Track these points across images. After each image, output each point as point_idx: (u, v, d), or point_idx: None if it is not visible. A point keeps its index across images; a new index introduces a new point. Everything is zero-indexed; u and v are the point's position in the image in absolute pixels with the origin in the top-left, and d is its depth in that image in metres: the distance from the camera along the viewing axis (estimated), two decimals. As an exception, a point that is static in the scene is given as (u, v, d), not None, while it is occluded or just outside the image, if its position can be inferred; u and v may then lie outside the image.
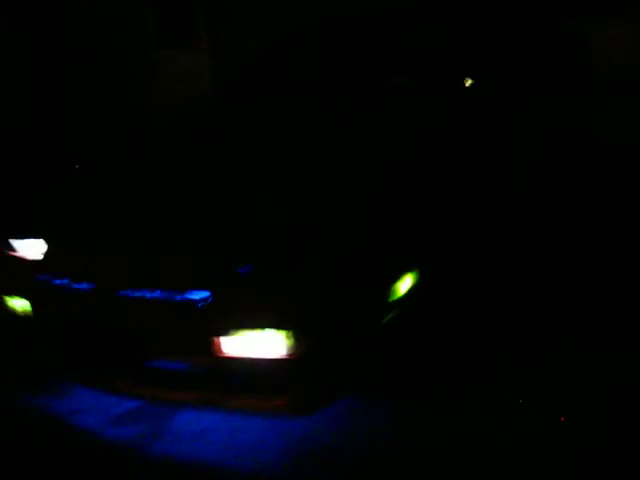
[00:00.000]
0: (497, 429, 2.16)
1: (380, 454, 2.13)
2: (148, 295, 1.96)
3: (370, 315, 2.05)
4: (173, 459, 2.16)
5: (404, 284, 2.13)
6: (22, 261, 2.24)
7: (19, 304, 2.22)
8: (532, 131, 3.18)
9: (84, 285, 2.05)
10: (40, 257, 2.19)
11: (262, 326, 1.85)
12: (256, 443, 2.19)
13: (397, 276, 2.10)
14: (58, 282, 2.10)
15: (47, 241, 2.18)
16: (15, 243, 2.27)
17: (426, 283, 2.23)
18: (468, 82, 2.85)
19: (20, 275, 2.22)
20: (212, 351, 1.91)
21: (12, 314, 2.25)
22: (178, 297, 1.92)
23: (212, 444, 2.20)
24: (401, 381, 2.38)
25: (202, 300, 1.90)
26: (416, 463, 2.08)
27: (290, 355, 1.87)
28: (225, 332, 1.89)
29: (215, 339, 1.90)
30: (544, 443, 2.04)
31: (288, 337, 1.85)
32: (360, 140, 2.37)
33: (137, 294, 1.97)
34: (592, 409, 2.15)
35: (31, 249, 2.23)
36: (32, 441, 2.31)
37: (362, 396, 2.39)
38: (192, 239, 2.02)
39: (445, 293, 2.41)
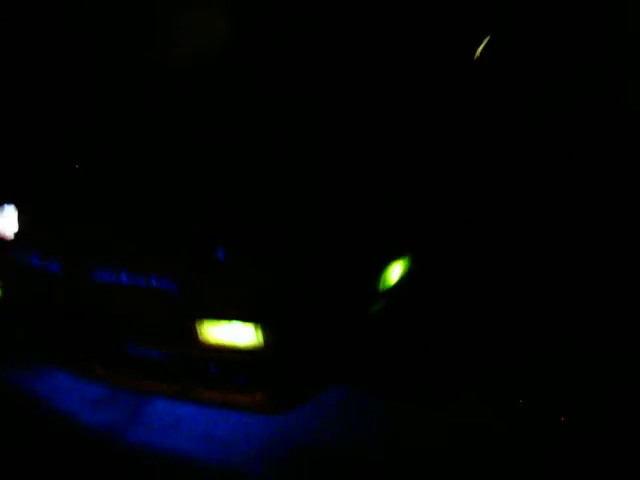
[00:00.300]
0: (492, 428, 2.05)
1: (365, 452, 2.01)
2: (116, 278, 1.84)
3: (354, 306, 1.89)
4: (145, 449, 2.08)
5: (394, 272, 1.96)
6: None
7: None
8: (549, 103, 2.88)
9: (54, 265, 1.94)
10: (12, 235, 2.09)
11: (230, 317, 1.72)
12: (232, 437, 2.09)
13: (385, 264, 1.93)
14: (28, 260, 2.00)
15: (18, 218, 2.08)
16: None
17: (418, 271, 2.05)
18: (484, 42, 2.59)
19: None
20: (182, 340, 1.80)
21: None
22: (146, 281, 1.80)
23: (185, 436, 2.10)
24: (390, 374, 2.24)
25: (170, 285, 1.77)
26: (403, 461, 1.98)
27: (260, 350, 1.74)
28: (194, 321, 1.76)
29: (184, 328, 1.78)
30: (544, 443, 1.97)
31: (257, 330, 1.72)
32: (347, 110, 2.14)
33: (106, 276, 1.85)
34: (592, 409, 2.06)
35: (5, 225, 2.13)
36: (7, 422, 2.25)
37: (350, 389, 2.25)
38: (165, 222, 1.88)
39: (438, 282, 2.23)
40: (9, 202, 2.14)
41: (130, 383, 1.95)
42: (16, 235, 2.06)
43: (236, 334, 1.74)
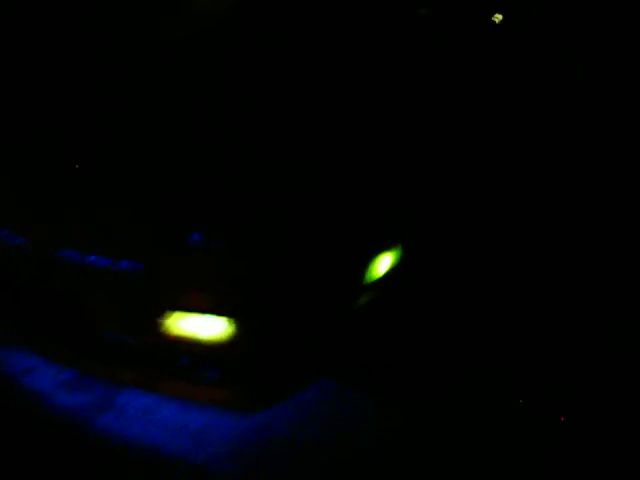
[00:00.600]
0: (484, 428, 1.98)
1: (345, 452, 1.90)
2: (83, 259, 1.71)
3: (336, 300, 1.75)
4: (113, 437, 1.97)
5: (383, 264, 1.82)
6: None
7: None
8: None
9: (20, 240, 1.82)
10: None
11: (201, 310, 1.59)
12: (205, 430, 1.98)
13: (371, 256, 1.78)
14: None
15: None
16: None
17: (410, 263, 1.91)
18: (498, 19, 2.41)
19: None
20: (149, 329, 1.67)
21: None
22: (114, 264, 1.67)
23: (157, 425, 2.00)
24: (376, 370, 2.12)
25: (139, 271, 1.64)
26: (391, 459, 1.90)
27: (233, 344, 1.61)
28: (163, 310, 1.63)
29: (152, 316, 1.65)
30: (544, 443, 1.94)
31: (230, 324, 1.59)
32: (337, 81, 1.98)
33: (73, 256, 1.73)
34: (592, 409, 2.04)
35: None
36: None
37: (334, 383, 2.14)
38: (138, 203, 1.74)
39: (430, 275, 2.09)
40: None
41: (97, 369, 1.83)
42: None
43: (207, 326, 1.61)
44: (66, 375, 2.19)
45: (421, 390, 2.15)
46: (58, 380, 2.18)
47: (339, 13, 2.24)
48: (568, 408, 2.04)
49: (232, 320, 1.58)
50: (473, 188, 2.28)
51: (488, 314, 2.35)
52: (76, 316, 1.79)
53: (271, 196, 1.64)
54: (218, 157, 1.74)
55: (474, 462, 1.89)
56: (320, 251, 1.65)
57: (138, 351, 1.75)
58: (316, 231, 1.65)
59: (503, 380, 2.14)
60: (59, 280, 1.75)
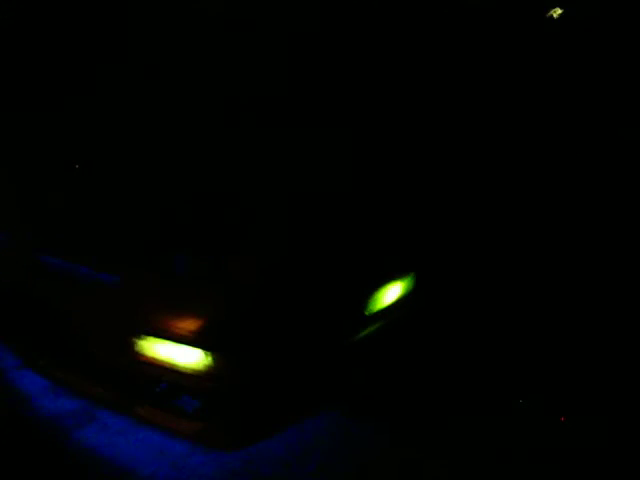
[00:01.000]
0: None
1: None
2: (62, 265, 1.59)
3: (330, 333, 1.57)
4: (91, 450, 1.86)
5: (390, 293, 1.63)
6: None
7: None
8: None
9: (4, 241, 1.71)
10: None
11: (177, 339, 1.44)
12: (186, 457, 1.83)
13: (378, 284, 1.60)
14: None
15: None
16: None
17: (422, 292, 1.71)
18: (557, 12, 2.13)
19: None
20: (123, 350, 1.53)
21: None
22: (91, 278, 1.54)
23: (138, 445, 1.87)
24: (378, 404, 1.96)
25: (116, 289, 1.50)
26: None
27: (208, 377, 1.45)
28: (137, 334, 1.49)
29: (126, 338, 1.51)
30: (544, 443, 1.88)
31: (207, 358, 1.43)
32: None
33: (53, 262, 1.61)
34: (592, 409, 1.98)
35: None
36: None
37: (337, 414, 1.96)
38: (124, 220, 1.61)
39: (446, 304, 1.88)
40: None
41: (71, 382, 1.72)
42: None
43: (182, 354, 1.46)
44: (56, 378, 2.09)
45: (430, 423, 1.96)
46: (50, 385, 2.08)
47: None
48: (568, 408, 1.97)
49: (212, 355, 1.42)
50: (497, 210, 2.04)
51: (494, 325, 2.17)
52: (53, 325, 1.67)
53: (259, 218, 1.47)
54: (210, 179, 1.59)
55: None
56: (310, 283, 1.47)
57: (113, 369, 1.62)
58: (305, 262, 1.47)
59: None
60: (38, 284, 1.63)
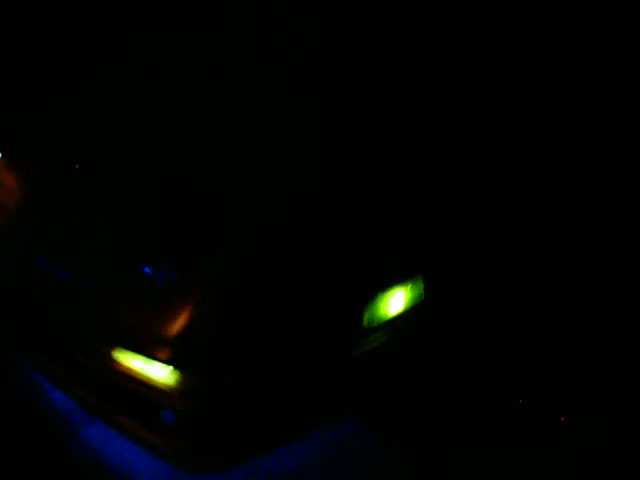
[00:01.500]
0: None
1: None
2: (50, 267, 1.56)
3: (322, 346, 1.43)
4: (89, 451, 1.84)
5: (394, 302, 1.47)
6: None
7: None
8: None
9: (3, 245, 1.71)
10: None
11: (147, 354, 1.35)
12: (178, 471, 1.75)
13: (378, 292, 1.44)
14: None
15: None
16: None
17: (431, 300, 1.53)
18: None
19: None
20: (101, 358, 1.47)
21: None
22: (73, 282, 1.49)
23: (135, 452, 1.82)
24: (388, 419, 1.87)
25: (89, 290, 1.45)
26: None
27: (179, 394, 1.36)
28: (110, 340, 1.42)
29: (103, 347, 1.45)
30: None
31: (175, 373, 1.34)
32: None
33: (48, 266, 1.58)
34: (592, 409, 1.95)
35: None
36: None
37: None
38: (107, 226, 1.54)
39: (458, 313, 1.68)
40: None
41: (62, 382, 1.68)
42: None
43: (155, 372, 1.37)
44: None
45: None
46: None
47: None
48: (568, 408, 1.95)
49: (181, 372, 1.33)
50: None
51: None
52: (45, 326, 1.65)
53: (233, 221, 1.36)
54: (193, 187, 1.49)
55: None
56: (290, 293, 1.34)
57: (94, 375, 1.56)
58: (280, 274, 1.34)
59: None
60: (29, 285, 1.61)
